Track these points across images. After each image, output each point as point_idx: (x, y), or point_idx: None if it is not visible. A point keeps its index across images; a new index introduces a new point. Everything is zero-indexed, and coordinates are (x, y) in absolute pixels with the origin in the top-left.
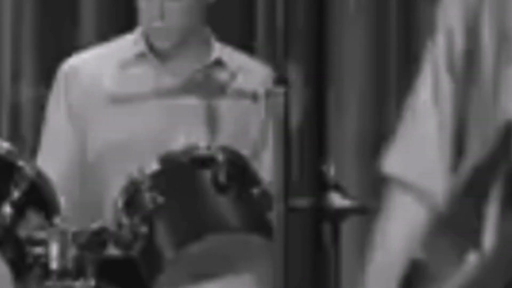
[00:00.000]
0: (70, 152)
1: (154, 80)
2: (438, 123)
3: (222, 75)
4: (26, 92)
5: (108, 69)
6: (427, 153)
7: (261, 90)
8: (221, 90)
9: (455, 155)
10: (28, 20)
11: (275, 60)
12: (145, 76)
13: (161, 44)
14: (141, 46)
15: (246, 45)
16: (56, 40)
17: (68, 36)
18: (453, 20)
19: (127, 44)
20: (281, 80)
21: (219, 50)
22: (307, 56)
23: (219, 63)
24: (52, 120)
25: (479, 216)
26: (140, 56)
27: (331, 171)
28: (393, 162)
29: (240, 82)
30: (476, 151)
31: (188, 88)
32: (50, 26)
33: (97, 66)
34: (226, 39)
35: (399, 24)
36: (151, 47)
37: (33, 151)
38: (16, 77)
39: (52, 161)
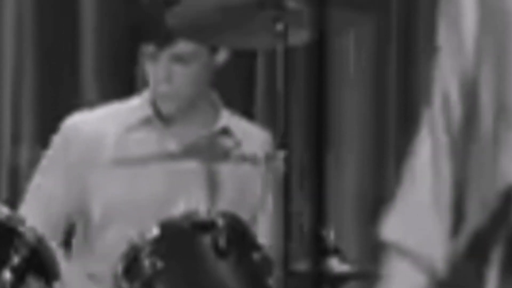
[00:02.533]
0: (60, 206)
1: (157, 145)
2: (437, 187)
3: (227, 143)
4: (26, 154)
5: (111, 131)
6: (425, 219)
7: (260, 154)
8: (223, 156)
9: (455, 219)
10: (28, 82)
11: (275, 123)
12: (149, 140)
13: (167, 108)
14: (147, 111)
15: (246, 110)
16: (57, 103)
17: (69, 99)
18: (450, 84)
19: (133, 107)
20: (281, 144)
21: (227, 118)
22: (307, 119)
23: (225, 131)
24: (46, 175)
25: (480, 281)
26: (146, 120)
27: (331, 235)
28: (391, 228)
29: (243, 148)
30: (476, 215)
31: (190, 152)
32: (50, 88)
33: (100, 127)
34: (225, 103)
35: (399, 87)
36: (157, 112)
37: None
38: (16, 139)
39: (39, 210)
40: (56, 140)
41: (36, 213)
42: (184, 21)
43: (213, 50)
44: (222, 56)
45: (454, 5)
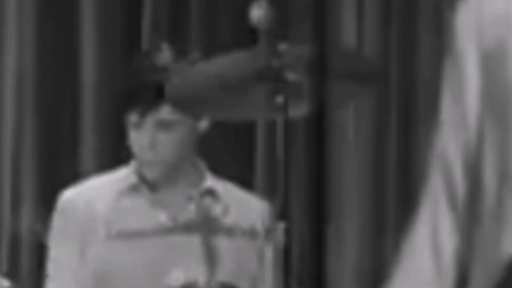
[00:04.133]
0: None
1: (147, 212)
2: (438, 263)
3: (214, 210)
4: (26, 222)
5: (102, 201)
6: None
7: (259, 225)
8: (215, 226)
9: None
10: (28, 147)
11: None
12: (139, 208)
13: (152, 175)
14: (133, 179)
15: (245, 180)
16: (57, 167)
17: (69, 162)
18: (453, 157)
19: (121, 176)
20: (281, 215)
21: (212, 180)
22: (307, 189)
23: (211, 192)
24: (57, 253)
25: None
26: (133, 188)
27: None
28: None
29: (236, 217)
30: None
31: (184, 226)
32: (51, 151)
33: (91, 198)
34: (223, 172)
35: (399, 160)
36: (143, 179)
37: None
38: (16, 206)
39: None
40: (56, 218)
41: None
42: (182, 94)
43: (197, 116)
44: (205, 123)
45: (458, 78)
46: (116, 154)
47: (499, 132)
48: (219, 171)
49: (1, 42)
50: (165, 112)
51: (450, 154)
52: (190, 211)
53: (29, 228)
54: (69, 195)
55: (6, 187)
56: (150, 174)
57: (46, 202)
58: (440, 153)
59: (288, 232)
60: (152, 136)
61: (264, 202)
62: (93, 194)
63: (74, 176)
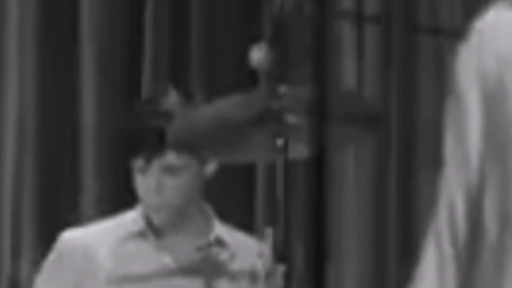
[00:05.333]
0: None
1: (152, 258)
2: None
3: (222, 255)
4: (26, 268)
5: (105, 245)
6: None
7: (259, 267)
8: (220, 271)
9: None
10: (28, 192)
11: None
12: (144, 254)
13: (159, 220)
14: (140, 225)
15: (245, 223)
16: (57, 212)
17: (69, 208)
18: (456, 196)
19: (127, 221)
20: (280, 257)
21: (219, 228)
22: (307, 231)
23: (219, 242)
24: None
25: None
26: (139, 233)
27: None
28: None
29: (241, 262)
30: None
31: (187, 269)
32: (51, 196)
33: (93, 243)
34: (223, 215)
35: (398, 203)
36: (149, 224)
37: None
38: (16, 253)
39: None
40: (52, 257)
41: None
42: (183, 135)
43: (203, 160)
44: (211, 166)
45: (460, 118)
46: (117, 200)
47: (500, 173)
48: (220, 213)
49: (2, 86)
50: (171, 157)
51: (453, 193)
52: (196, 257)
53: (28, 275)
54: (69, 236)
55: (6, 233)
56: (156, 219)
57: (46, 249)
58: (444, 192)
59: (288, 276)
60: (158, 180)
61: (264, 244)
62: (95, 239)
63: (75, 222)
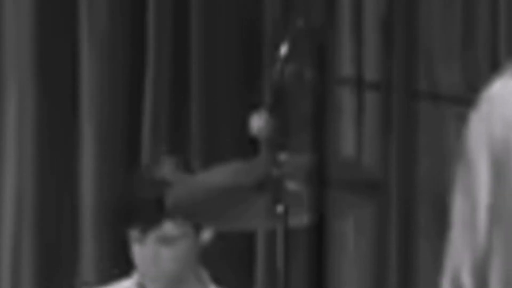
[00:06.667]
0: None
1: None
2: None
3: None
4: None
5: None
6: None
7: None
8: None
9: None
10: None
11: None
12: None
13: None
14: None
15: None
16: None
17: (68, 274)
18: (462, 260)
19: None
20: None
21: None
22: None
23: None
24: None
25: None
26: None
27: None
28: None
29: None
30: None
31: None
32: (50, 270)
33: None
34: (223, 282)
35: (399, 267)
36: None
37: None
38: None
39: None
40: None
41: None
42: (183, 203)
43: (199, 229)
44: (207, 234)
45: (469, 183)
46: (115, 269)
47: (506, 240)
48: (219, 281)
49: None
50: (168, 227)
51: (459, 256)
52: None
53: None
54: None
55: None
56: None
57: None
58: (450, 255)
59: None
60: (155, 251)
61: None
62: None
63: None
